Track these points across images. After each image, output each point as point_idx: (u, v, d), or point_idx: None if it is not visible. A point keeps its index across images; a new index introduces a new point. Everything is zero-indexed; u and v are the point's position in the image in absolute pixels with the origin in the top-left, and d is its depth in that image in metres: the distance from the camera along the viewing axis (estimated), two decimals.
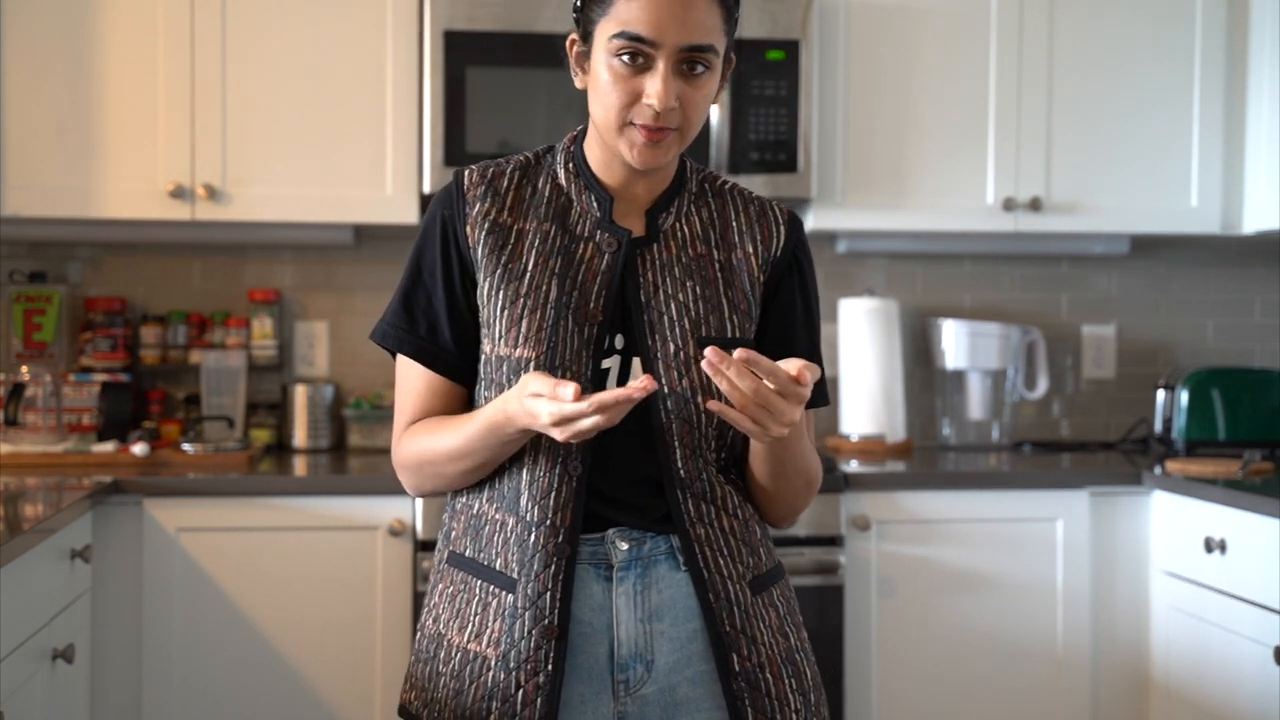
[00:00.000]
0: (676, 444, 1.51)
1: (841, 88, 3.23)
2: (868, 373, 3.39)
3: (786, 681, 1.53)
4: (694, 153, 3.07)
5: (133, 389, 3.26)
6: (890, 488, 2.98)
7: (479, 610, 1.52)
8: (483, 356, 1.56)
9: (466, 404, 1.60)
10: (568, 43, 1.57)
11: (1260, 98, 3.23)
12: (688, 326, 1.53)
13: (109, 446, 3.05)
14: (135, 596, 2.78)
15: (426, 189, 3.04)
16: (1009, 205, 3.25)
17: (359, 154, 3.10)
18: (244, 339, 3.35)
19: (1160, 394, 3.44)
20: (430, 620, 1.58)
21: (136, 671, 2.78)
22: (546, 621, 1.47)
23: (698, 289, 1.55)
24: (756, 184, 3.11)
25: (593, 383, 1.51)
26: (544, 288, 1.52)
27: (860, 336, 3.40)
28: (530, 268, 1.53)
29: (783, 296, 1.59)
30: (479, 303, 1.56)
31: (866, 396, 3.39)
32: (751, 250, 1.58)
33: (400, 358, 1.60)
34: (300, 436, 3.32)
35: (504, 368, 1.52)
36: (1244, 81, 3.29)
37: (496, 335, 1.53)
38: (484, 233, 1.55)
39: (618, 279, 1.53)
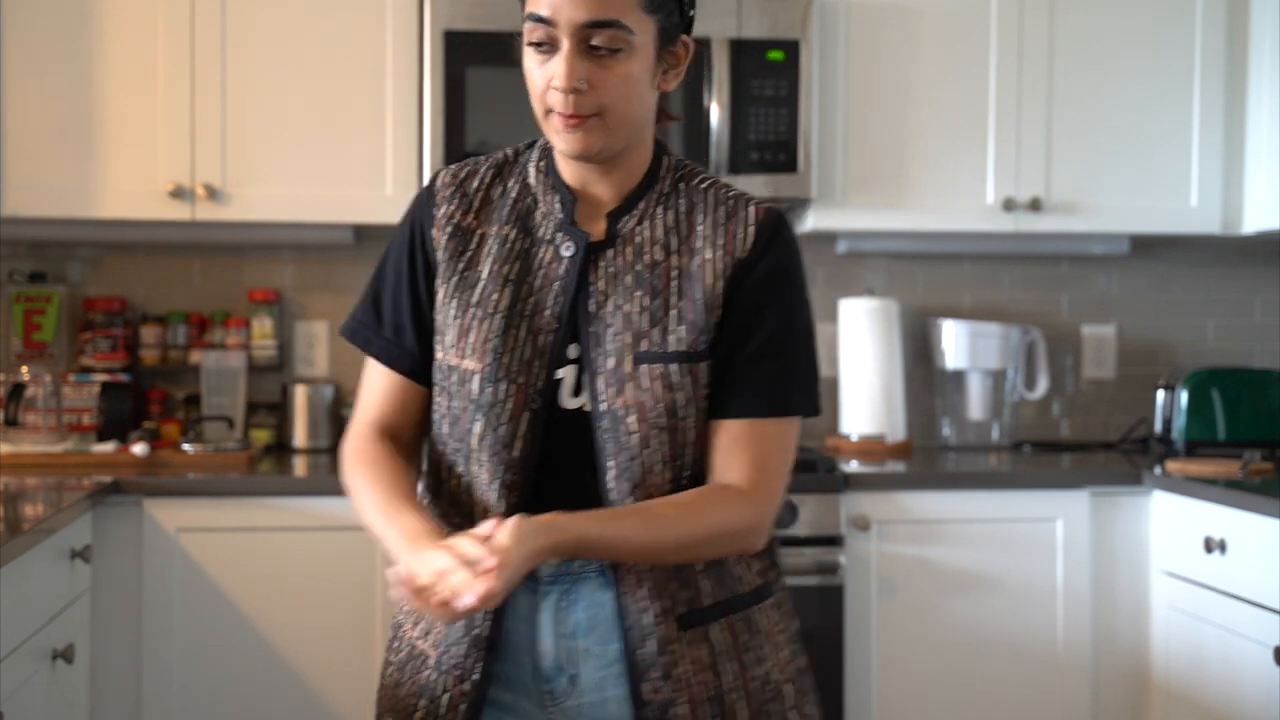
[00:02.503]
0: (610, 464, 1.45)
1: (841, 88, 3.22)
2: (868, 373, 3.39)
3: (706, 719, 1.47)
4: (694, 153, 3.08)
5: (133, 389, 3.26)
6: (890, 488, 2.98)
7: None
8: (435, 362, 1.53)
9: (427, 405, 1.57)
10: (517, 44, 1.52)
11: (1260, 97, 3.23)
12: (628, 340, 1.45)
13: (109, 446, 3.05)
14: (135, 597, 2.78)
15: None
16: (1009, 205, 3.25)
17: (359, 154, 3.10)
18: (244, 339, 3.35)
19: (1160, 394, 3.43)
20: (399, 609, 1.59)
21: (136, 672, 2.78)
22: (477, 631, 1.47)
23: (646, 299, 1.46)
24: (756, 184, 3.11)
25: (542, 394, 1.46)
26: (496, 296, 1.48)
27: (860, 336, 3.40)
28: (485, 275, 1.50)
29: (744, 301, 1.47)
30: (436, 308, 1.53)
31: (866, 396, 3.39)
32: (711, 255, 1.47)
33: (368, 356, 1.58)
34: (300, 436, 3.32)
35: (452, 377, 1.50)
36: (1244, 81, 3.29)
37: (447, 344, 1.51)
38: (446, 236, 1.52)
39: (573, 285, 1.48)
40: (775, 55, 3.12)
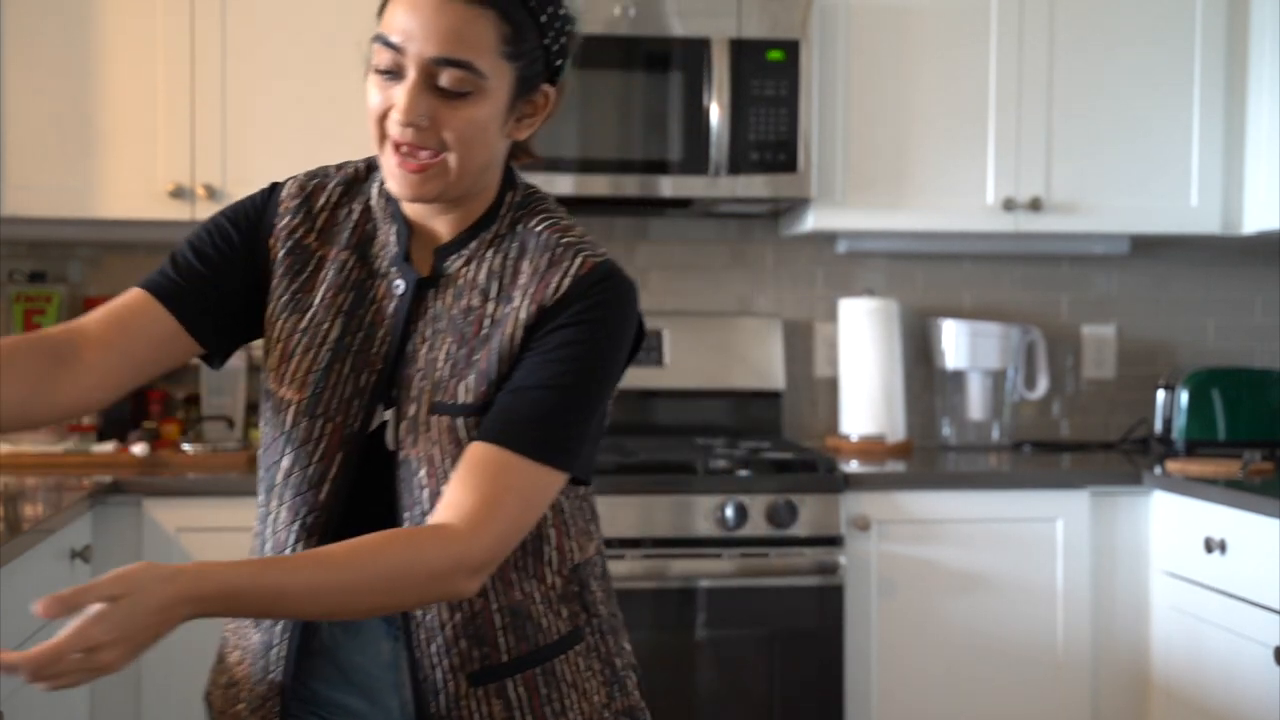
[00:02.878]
0: (405, 515, 1.38)
1: (841, 88, 3.22)
2: (868, 373, 3.39)
3: None
4: (694, 152, 3.08)
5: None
6: (890, 488, 2.98)
7: (245, 636, 1.53)
8: (261, 382, 1.47)
9: (156, 347, 1.43)
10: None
11: (1260, 97, 3.23)
12: (428, 388, 1.37)
13: (109, 446, 3.05)
14: None
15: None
16: (1009, 205, 3.25)
17: (359, 154, 3.08)
18: None
19: (1160, 394, 3.43)
20: (225, 628, 1.56)
21: (136, 672, 2.77)
22: (272, 675, 1.45)
23: (453, 346, 1.38)
24: (756, 184, 3.11)
25: (359, 435, 1.39)
26: (325, 325, 1.41)
27: (860, 336, 3.40)
28: (316, 302, 1.42)
29: (536, 344, 1.35)
30: (265, 325, 1.45)
31: (866, 396, 3.39)
32: (519, 303, 1.36)
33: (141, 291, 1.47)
34: None
35: (269, 402, 1.44)
36: (1244, 81, 3.29)
37: (269, 367, 1.44)
38: (284, 251, 1.44)
39: (401, 324, 1.40)
40: (775, 55, 3.12)
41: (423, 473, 1.37)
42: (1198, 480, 2.87)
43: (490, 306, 1.38)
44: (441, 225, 1.42)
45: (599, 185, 3.10)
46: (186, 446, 3.08)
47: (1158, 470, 3.06)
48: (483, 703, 1.40)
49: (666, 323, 3.43)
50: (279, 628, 1.45)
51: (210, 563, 1.22)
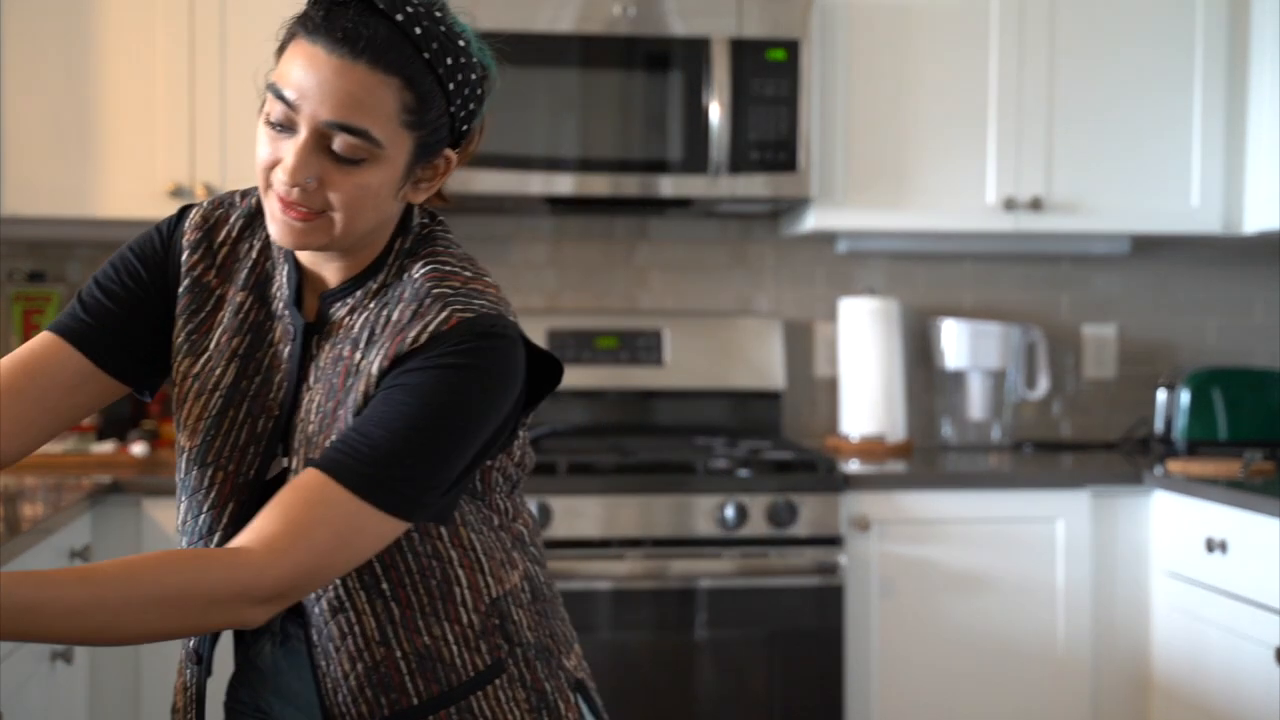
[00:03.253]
0: None
1: (842, 87, 3.22)
2: (868, 373, 3.39)
3: None
4: (694, 152, 3.08)
5: None
6: (890, 488, 2.98)
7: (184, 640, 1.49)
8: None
9: (77, 387, 1.38)
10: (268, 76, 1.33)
11: (1261, 97, 3.23)
12: (304, 440, 1.33)
13: (108, 446, 3.05)
14: None
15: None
16: (1009, 205, 3.25)
17: None
18: None
19: (1161, 394, 3.43)
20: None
21: (135, 672, 2.77)
22: (190, 691, 1.46)
23: (321, 399, 1.33)
24: (756, 184, 3.11)
25: (253, 484, 1.34)
26: (219, 371, 1.36)
27: (860, 336, 3.40)
28: (212, 346, 1.37)
29: (386, 382, 1.28)
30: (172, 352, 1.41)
31: (866, 396, 3.38)
32: (378, 357, 1.29)
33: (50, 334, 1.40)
34: None
35: (176, 448, 1.41)
36: (1245, 81, 3.29)
37: (173, 409, 1.40)
38: (184, 289, 1.39)
39: (295, 370, 1.35)
40: (775, 55, 3.11)
41: None
42: (1198, 480, 2.87)
43: (356, 356, 1.31)
44: (330, 271, 1.36)
45: (599, 185, 3.10)
46: None
47: (1158, 470, 3.06)
48: None
49: (666, 323, 3.43)
50: (190, 643, 1.45)
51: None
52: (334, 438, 1.29)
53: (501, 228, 3.49)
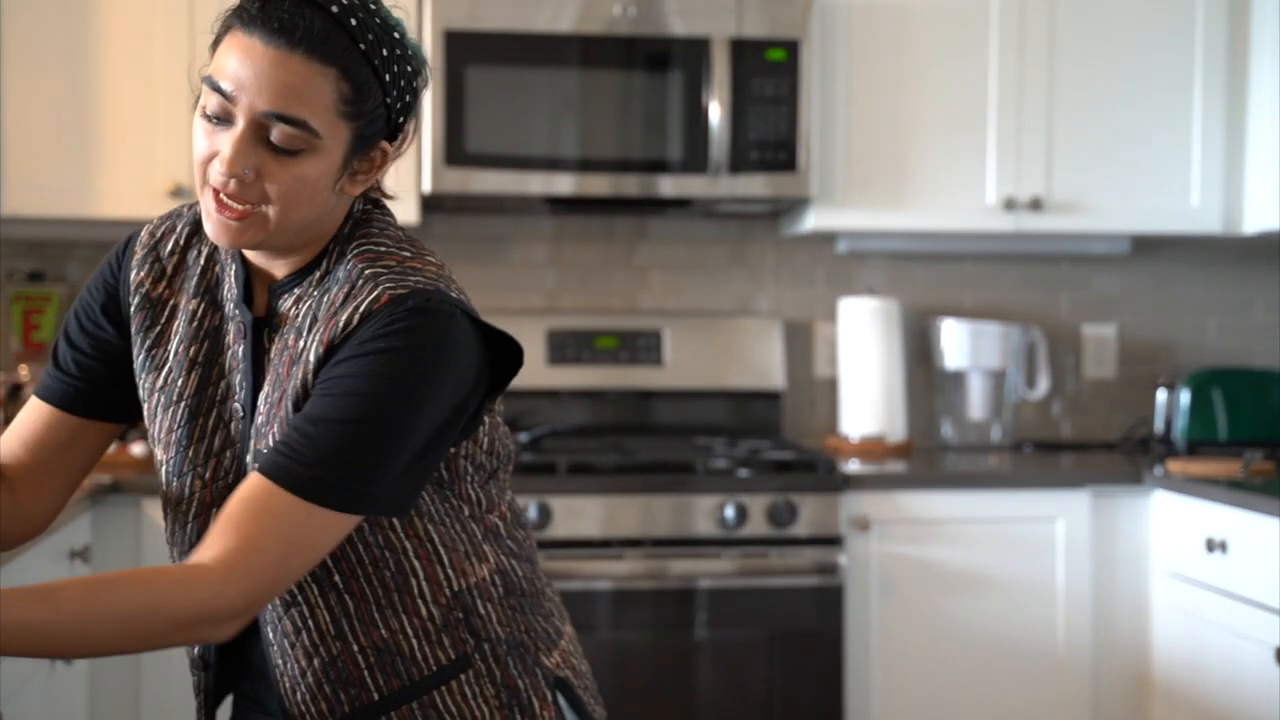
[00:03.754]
0: None
1: (842, 87, 3.22)
2: (868, 373, 3.39)
3: None
4: (694, 152, 3.08)
5: None
6: (890, 488, 2.98)
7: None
8: None
9: (84, 444, 1.44)
10: (202, 69, 1.33)
11: (1261, 97, 3.23)
12: (255, 433, 1.33)
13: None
14: None
15: (426, 189, 3.04)
16: (1009, 205, 3.25)
17: None
18: None
19: (1161, 394, 3.43)
20: None
21: (135, 672, 2.77)
22: (198, 651, 1.45)
23: (269, 389, 1.33)
24: (756, 184, 3.11)
25: (233, 486, 1.34)
26: (181, 381, 1.37)
27: (860, 336, 3.40)
28: (170, 357, 1.38)
29: (322, 376, 1.27)
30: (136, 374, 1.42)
31: (866, 396, 3.38)
32: (313, 343, 1.29)
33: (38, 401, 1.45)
34: None
35: (155, 464, 1.43)
36: (1245, 80, 3.29)
37: (146, 425, 1.42)
38: (134, 307, 1.40)
39: (250, 368, 1.35)
40: (775, 54, 3.11)
41: None
42: (1199, 480, 2.87)
43: (300, 344, 1.31)
44: (278, 267, 1.36)
45: (599, 185, 3.10)
46: None
47: (1158, 470, 3.05)
48: None
49: (666, 323, 3.43)
50: (195, 650, 1.45)
51: None
52: (277, 430, 1.29)
53: (501, 228, 3.49)
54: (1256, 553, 2.64)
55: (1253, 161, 3.26)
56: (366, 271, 1.30)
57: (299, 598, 1.34)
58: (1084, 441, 3.65)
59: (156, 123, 3.04)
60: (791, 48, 3.12)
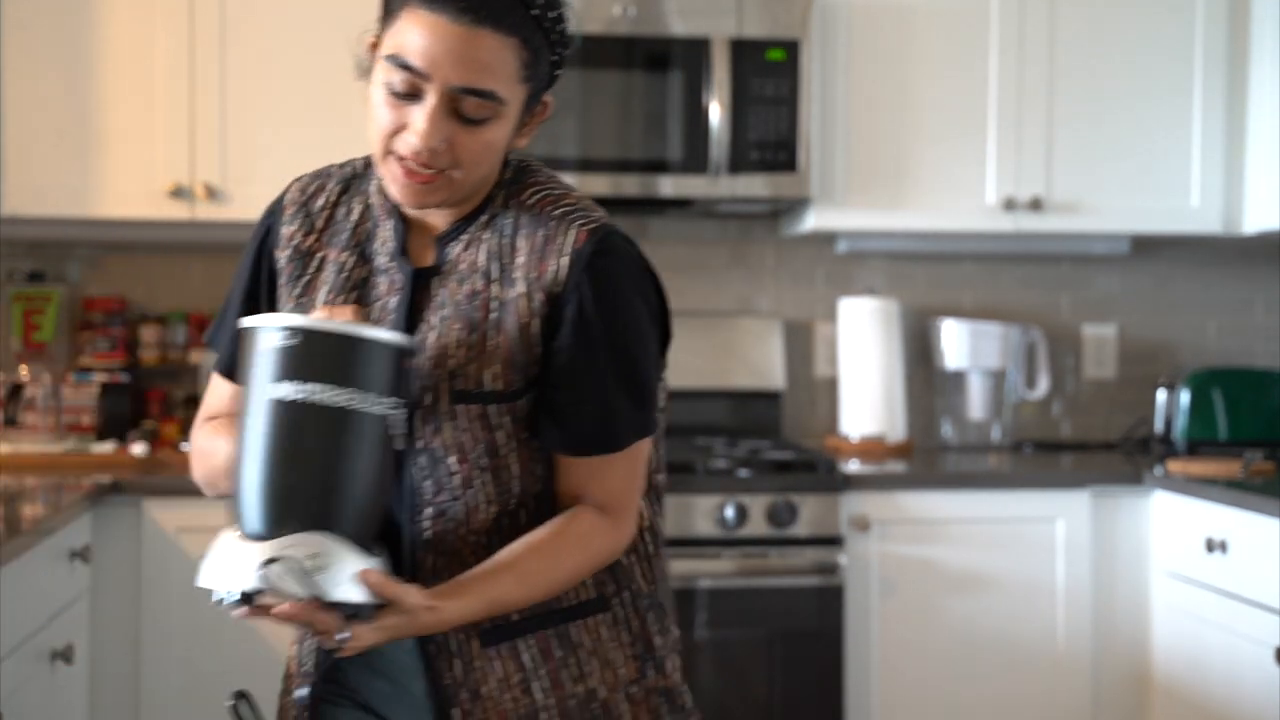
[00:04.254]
0: (429, 505, 1.38)
1: (842, 87, 3.22)
2: (868, 373, 3.39)
3: None
4: (694, 152, 3.08)
5: (132, 389, 3.26)
6: (890, 488, 2.98)
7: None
8: None
9: None
10: (368, 43, 1.40)
11: (1261, 97, 3.23)
12: (444, 376, 1.37)
13: (108, 447, 3.05)
14: (134, 597, 2.77)
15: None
16: (1009, 205, 3.25)
17: (358, 153, 3.08)
18: None
19: (1161, 394, 3.43)
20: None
21: (135, 672, 2.77)
22: (305, 668, 1.47)
23: (463, 333, 1.37)
24: (756, 184, 3.11)
25: None
26: None
27: (860, 336, 3.40)
28: (318, 306, 1.42)
29: (566, 332, 1.36)
30: None
31: (866, 396, 3.38)
32: (525, 290, 1.36)
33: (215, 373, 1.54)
34: None
35: None
36: (1245, 80, 3.29)
37: None
38: (285, 259, 1.45)
39: (404, 318, 1.39)
40: (775, 55, 3.11)
41: (452, 459, 1.37)
42: (1198, 480, 2.87)
43: (495, 289, 1.38)
44: (438, 217, 1.42)
45: (599, 185, 3.09)
46: (186, 446, 3.07)
47: (1158, 470, 3.05)
48: (496, 664, 1.40)
49: None
50: (305, 666, 1.48)
51: (448, 595, 1.31)
52: (496, 370, 1.36)
53: None
54: (1256, 553, 2.64)
55: (1253, 162, 3.26)
56: (555, 212, 1.39)
57: (476, 533, 1.39)
58: (1084, 441, 3.65)
59: (156, 123, 3.04)
60: (791, 48, 3.12)
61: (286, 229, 1.46)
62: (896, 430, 3.39)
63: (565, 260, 1.36)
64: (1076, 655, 2.99)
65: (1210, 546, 2.77)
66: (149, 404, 3.34)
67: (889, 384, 3.39)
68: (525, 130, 1.41)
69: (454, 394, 1.36)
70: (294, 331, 1.24)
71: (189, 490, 2.79)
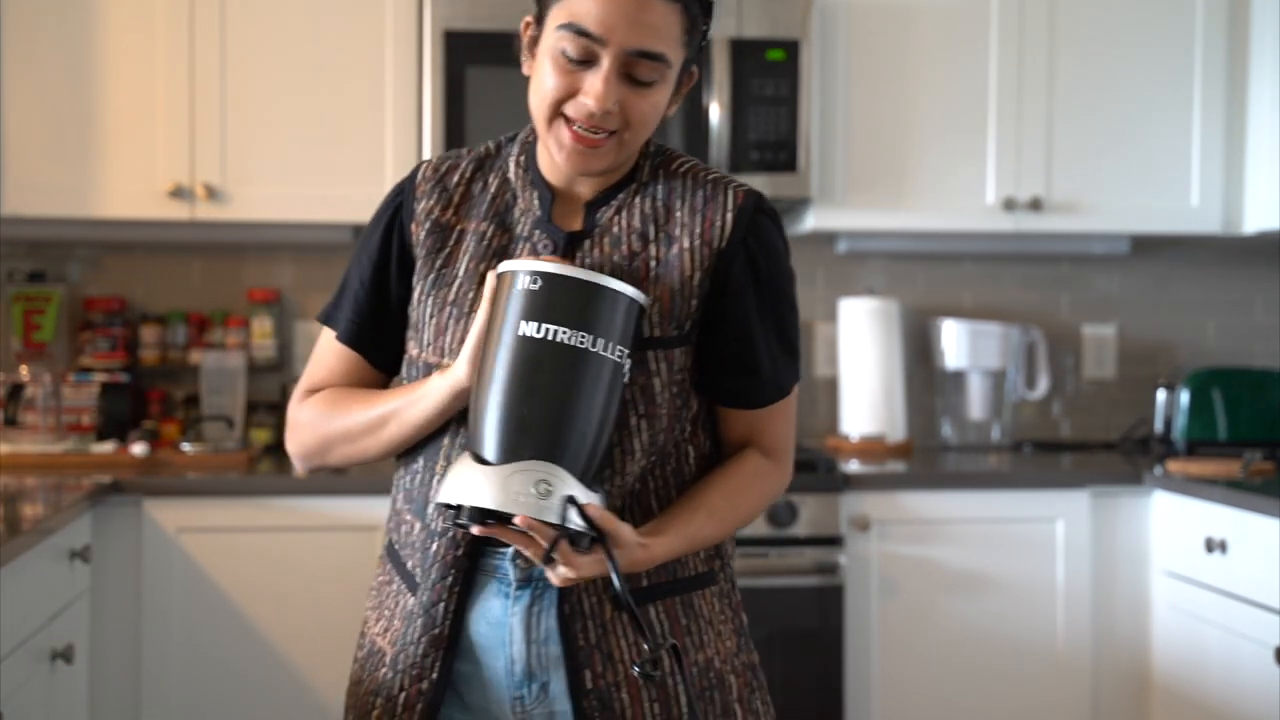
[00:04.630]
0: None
1: (841, 87, 3.22)
2: (868, 373, 3.39)
3: (646, 705, 1.44)
4: (694, 151, 3.07)
5: (132, 389, 3.26)
6: (890, 488, 2.98)
7: (391, 605, 1.52)
8: (407, 358, 1.52)
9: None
10: (523, 25, 1.50)
11: (1261, 97, 3.23)
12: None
13: (108, 447, 3.05)
14: (135, 597, 2.78)
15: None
16: (1009, 205, 3.25)
17: (358, 153, 3.10)
18: (243, 339, 3.35)
19: (1161, 394, 3.43)
20: (366, 607, 1.59)
21: (136, 672, 2.78)
22: (437, 631, 1.44)
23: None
24: (756, 184, 3.11)
25: None
26: (472, 294, 1.46)
27: (860, 336, 3.40)
28: (461, 273, 1.48)
29: (733, 287, 1.46)
30: (411, 304, 1.51)
31: (866, 396, 3.39)
32: (689, 244, 1.45)
33: (325, 329, 1.58)
34: None
35: (429, 375, 1.47)
36: (1245, 80, 3.29)
37: (424, 341, 1.49)
38: (425, 232, 1.50)
39: None
40: (775, 55, 3.11)
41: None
42: (1198, 480, 2.87)
43: (653, 249, 1.46)
44: (585, 186, 1.48)
45: None
46: (186, 446, 3.08)
47: (1158, 470, 3.06)
48: (628, 628, 1.44)
49: None
50: (448, 580, 1.45)
51: (650, 534, 1.40)
52: (653, 318, 1.43)
53: None
54: (1256, 553, 2.65)
55: (1253, 161, 3.26)
56: (709, 177, 1.49)
57: (628, 480, 1.44)
58: (1084, 441, 3.65)
59: (156, 123, 3.05)
60: (791, 48, 3.12)
61: (423, 204, 1.51)
62: (896, 430, 3.39)
63: (730, 217, 1.45)
64: (1076, 655, 3.00)
65: (1210, 546, 2.77)
66: (149, 404, 3.34)
67: (889, 384, 3.39)
68: (675, 99, 1.48)
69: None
70: (542, 276, 1.34)
71: (189, 490, 2.80)
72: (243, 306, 3.42)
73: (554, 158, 1.44)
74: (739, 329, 1.47)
